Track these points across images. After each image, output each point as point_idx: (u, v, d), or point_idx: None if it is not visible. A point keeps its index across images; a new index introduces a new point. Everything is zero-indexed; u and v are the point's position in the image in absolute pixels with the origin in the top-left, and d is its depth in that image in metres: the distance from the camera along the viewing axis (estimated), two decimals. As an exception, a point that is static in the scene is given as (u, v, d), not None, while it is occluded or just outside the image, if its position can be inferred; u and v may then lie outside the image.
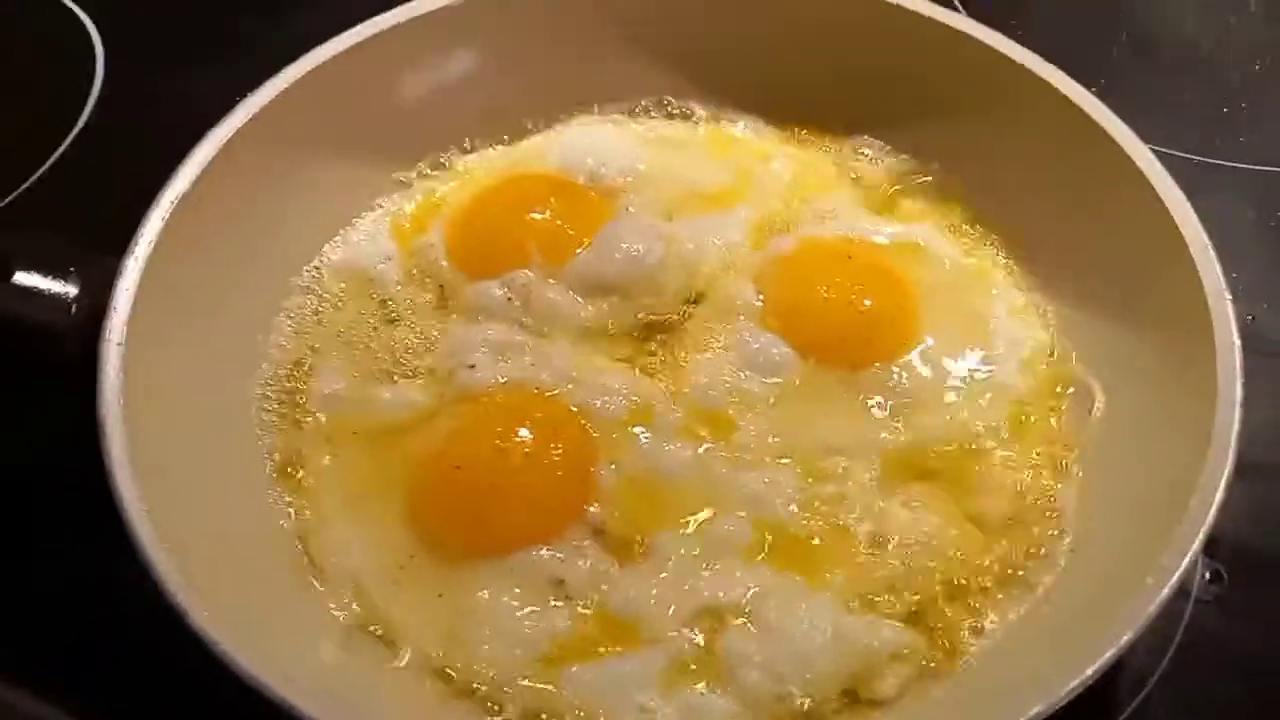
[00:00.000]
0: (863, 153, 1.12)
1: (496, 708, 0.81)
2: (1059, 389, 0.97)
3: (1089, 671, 0.71)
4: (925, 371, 0.96)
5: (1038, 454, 0.93)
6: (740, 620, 0.83)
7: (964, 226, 1.08)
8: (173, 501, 0.80)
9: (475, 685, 0.82)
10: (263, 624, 0.78)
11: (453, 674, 0.83)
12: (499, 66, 1.11)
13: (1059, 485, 0.91)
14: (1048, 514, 0.90)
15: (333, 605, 0.86)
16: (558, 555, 0.85)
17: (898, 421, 0.94)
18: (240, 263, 0.98)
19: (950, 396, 0.95)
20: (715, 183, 1.09)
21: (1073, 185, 1.01)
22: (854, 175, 1.11)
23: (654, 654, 0.82)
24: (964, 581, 0.86)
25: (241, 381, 0.96)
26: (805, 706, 0.80)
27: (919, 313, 0.99)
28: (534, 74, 1.12)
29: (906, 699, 0.81)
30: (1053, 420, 0.95)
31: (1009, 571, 0.87)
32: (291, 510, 0.90)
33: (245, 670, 0.71)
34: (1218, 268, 0.88)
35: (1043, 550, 0.88)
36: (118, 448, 0.80)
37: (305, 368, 0.97)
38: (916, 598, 0.85)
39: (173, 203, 0.92)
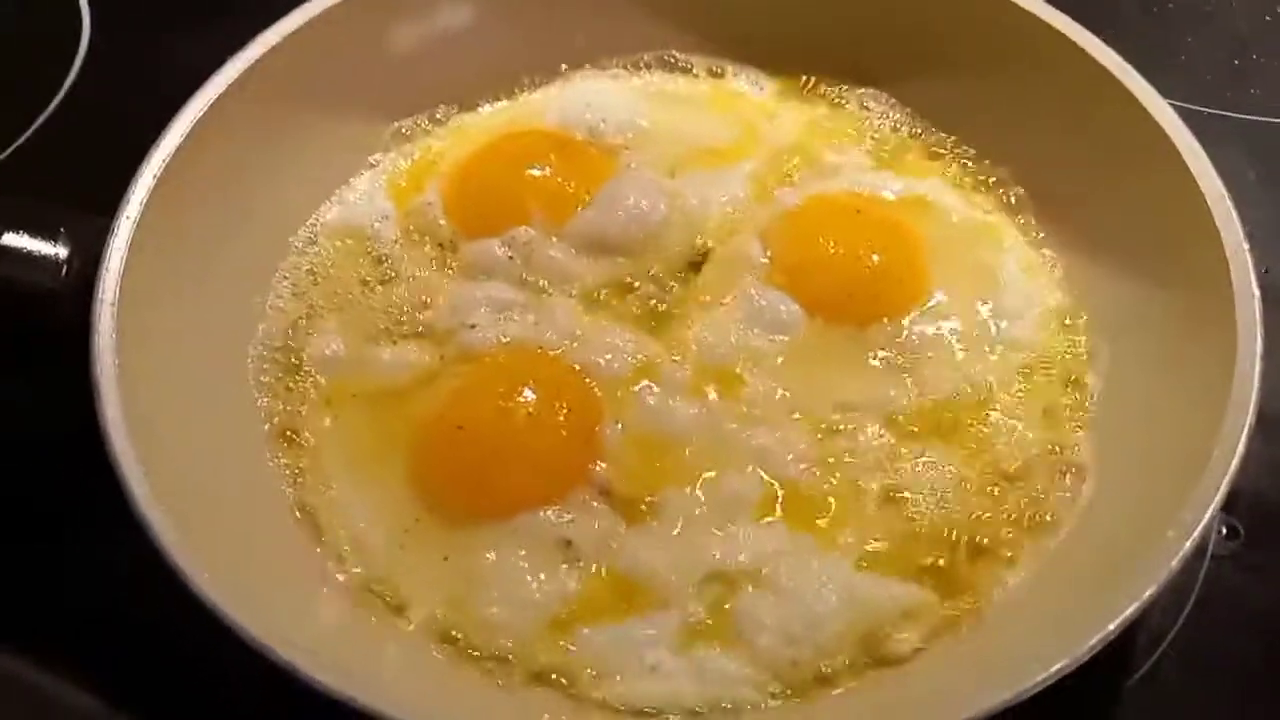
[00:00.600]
0: (869, 107, 1.10)
1: (506, 670, 0.80)
2: (1072, 343, 0.96)
3: (1111, 627, 0.69)
4: (934, 327, 0.94)
5: (1052, 409, 0.92)
6: (752, 582, 0.82)
7: (973, 182, 1.06)
8: (169, 463, 0.78)
9: (483, 649, 0.81)
10: (264, 587, 0.76)
11: (460, 638, 0.81)
12: (496, 20, 1.08)
13: (1074, 440, 0.90)
14: (1063, 469, 0.88)
15: (336, 569, 0.84)
16: (564, 516, 0.84)
17: (907, 377, 0.92)
18: (234, 222, 0.95)
19: (960, 352, 0.94)
20: (719, 138, 1.07)
21: (1086, 139, 0.99)
22: (860, 130, 1.09)
23: (666, 616, 0.80)
24: (979, 537, 0.85)
25: (238, 343, 0.93)
26: (822, 669, 0.79)
27: (928, 268, 0.97)
28: (533, 27, 1.09)
29: (923, 658, 0.80)
30: (1067, 375, 0.94)
31: (1024, 527, 0.86)
32: (292, 473, 0.88)
33: (247, 632, 0.69)
34: (1236, 220, 0.87)
35: (1059, 505, 0.86)
36: (112, 409, 0.78)
37: (303, 329, 0.95)
38: (930, 554, 0.84)
39: (164, 160, 0.90)
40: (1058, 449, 0.90)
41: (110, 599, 0.89)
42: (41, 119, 1.20)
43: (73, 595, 0.90)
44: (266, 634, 0.70)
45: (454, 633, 0.81)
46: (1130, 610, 0.70)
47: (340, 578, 0.84)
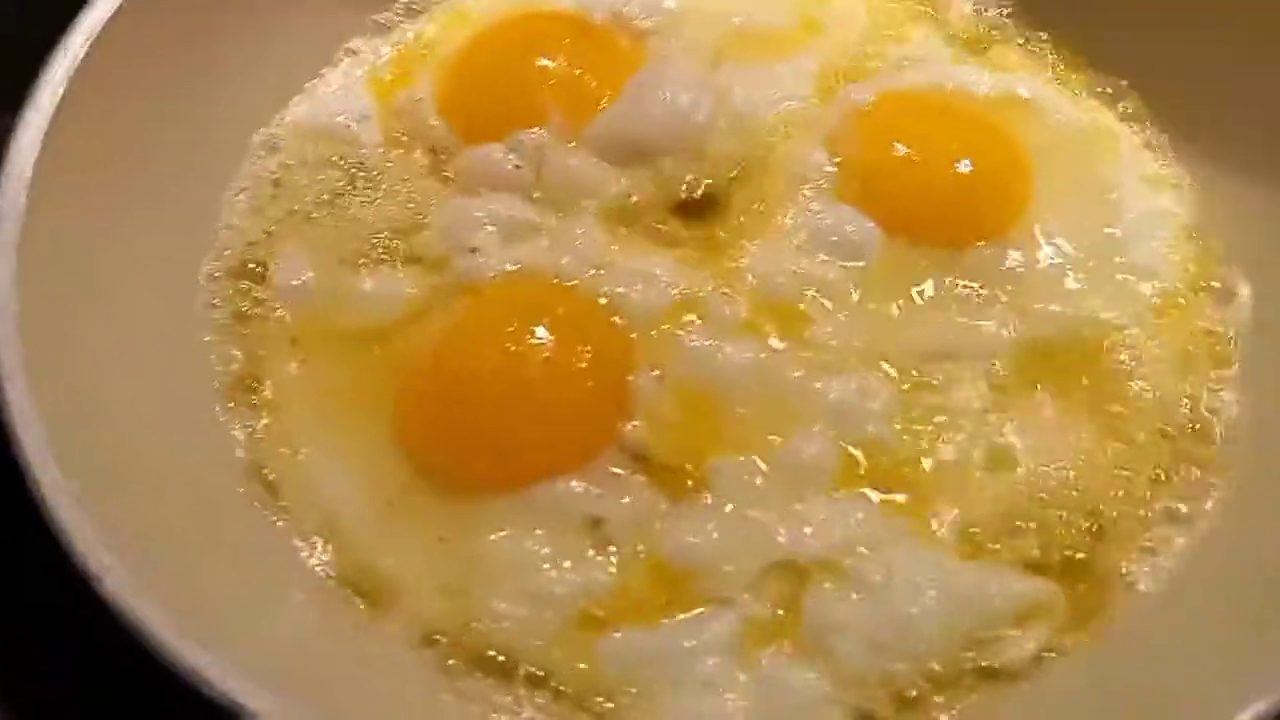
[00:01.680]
0: (949, -14, 0.94)
1: (518, 685, 0.65)
2: (1206, 272, 0.81)
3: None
4: (1043, 252, 0.81)
5: (1188, 352, 0.78)
6: (828, 574, 0.68)
7: (1077, 77, 0.90)
8: (86, 425, 0.64)
9: (488, 656, 0.66)
10: (205, 582, 0.63)
11: (457, 641, 0.67)
12: None
13: (1219, 391, 0.76)
14: (1206, 427, 0.74)
15: (301, 550, 0.71)
16: (591, 489, 0.70)
17: (1012, 314, 0.78)
18: (178, 121, 0.80)
19: (1074, 282, 0.80)
20: (769, 23, 0.92)
21: (1217, 21, 0.83)
22: (938, 14, 0.94)
23: (721, 616, 0.67)
24: (1108, 516, 0.71)
25: (183, 271, 0.79)
26: (918, 686, 0.64)
27: (1031, 179, 0.83)
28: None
29: (1043, 671, 0.65)
30: (1203, 310, 0.79)
31: (1162, 506, 0.72)
32: (247, 433, 0.74)
33: (175, 654, 0.54)
34: None
35: (1205, 474, 0.73)
36: (12, 355, 0.63)
37: (263, 253, 0.81)
38: (1049, 539, 0.70)
39: (86, 40, 0.74)
40: (1198, 401, 0.76)
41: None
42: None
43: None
44: (203, 646, 0.56)
45: (449, 635, 0.67)
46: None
47: (308, 560, 0.70)
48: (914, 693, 0.64)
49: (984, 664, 0.65)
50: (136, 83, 0.77)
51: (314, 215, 0.82)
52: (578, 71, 0.88)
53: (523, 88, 0.87)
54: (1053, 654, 0.66)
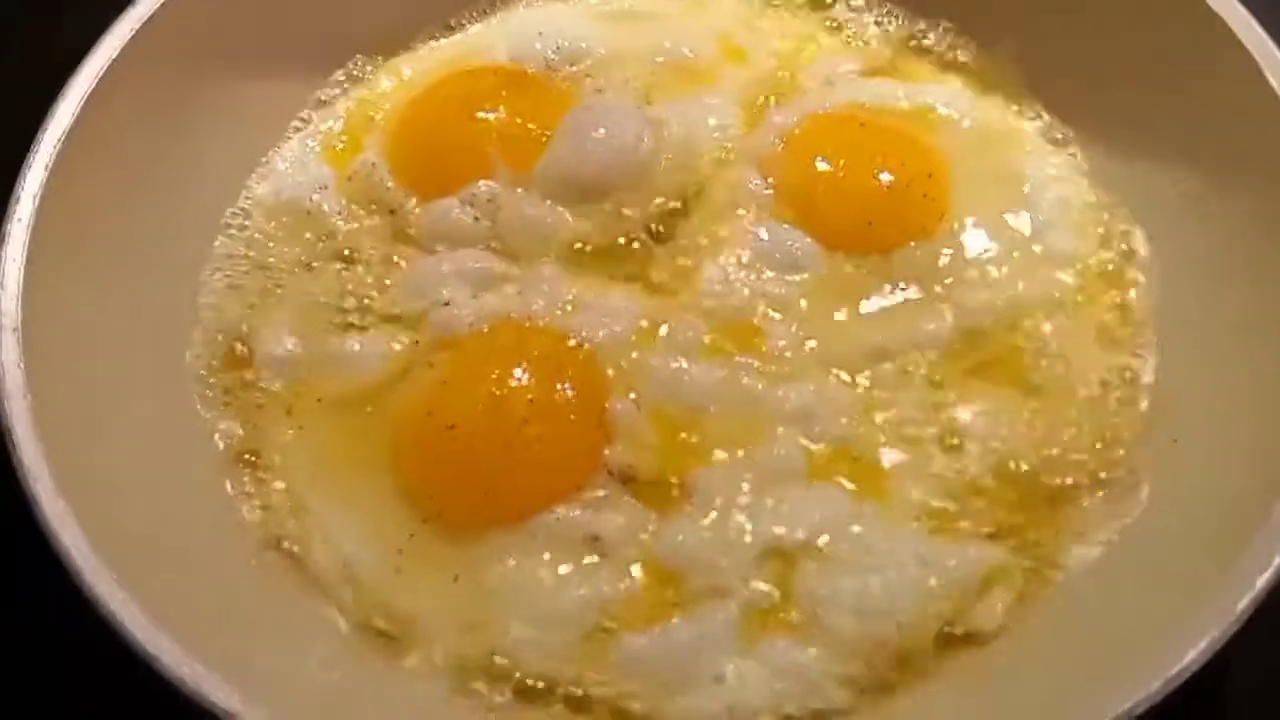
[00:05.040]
0: (856, 7, 0.98)
1: (542, 702, 0.69)
2: (1116, 248, 0.86)
3: (1242, 605, 0.60)
4: (966, 246, 0.85)
5: (1107, 327, 0.83)
6: (814, 556, 0.72)
7: (981, 82, 0.94)
8: (104, 509, 0.66)
9: (512, 677, 0.70)
10: (234, 643, 0.65)
11: (481, 667, 0.70)
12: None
13: (1139, 362, 0.81)
14: (1133, 395, 0.80)
15: (322, 605, 0.73)
16: (586, 511, 0.74)
17: (947, 307, 0.82)
18: (149, 212, 0.82)
19: (997, 270, 0.84)
20: (694, 56, 0.94)
21: (1101, 18, 0.89)
22: (849, 33, 0.98)
23: (722, 608, 0.71)
24: (1053, 482, 0.76)
25: (173, 355, 0.81)
26: (906, 649, 0.70)
27: (948, 181, 0.87)
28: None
29: (1014, 632, 0.71)
30: (1116, 285, 0.85)
31: (1098, 470, 0.76)
32: (257, 501, 0.76)
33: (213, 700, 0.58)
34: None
35: (1135, 442, 0.77)
36: (30, 456, 0.66)
37: (247, 328, 0.83)
38: (1001, 507, 0.75)
39: (55, 146, 0.76)
40: (1122, 373, 0.81)
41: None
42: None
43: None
44: (240, 693, 0.60)
45: (474, 662, 0.71)
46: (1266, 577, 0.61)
47: (330, 614, 0.73)
48: (903, 655, 0.69)
49: (963, 629, 0.70)
50: (105, 182, 0.79)
51: (290, 286, 0.84)
52: (518, 120, 0.89)
53: (466, 142, 0.88)
54: (1019, 618, 0.70)
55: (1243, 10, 0.80)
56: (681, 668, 0.69)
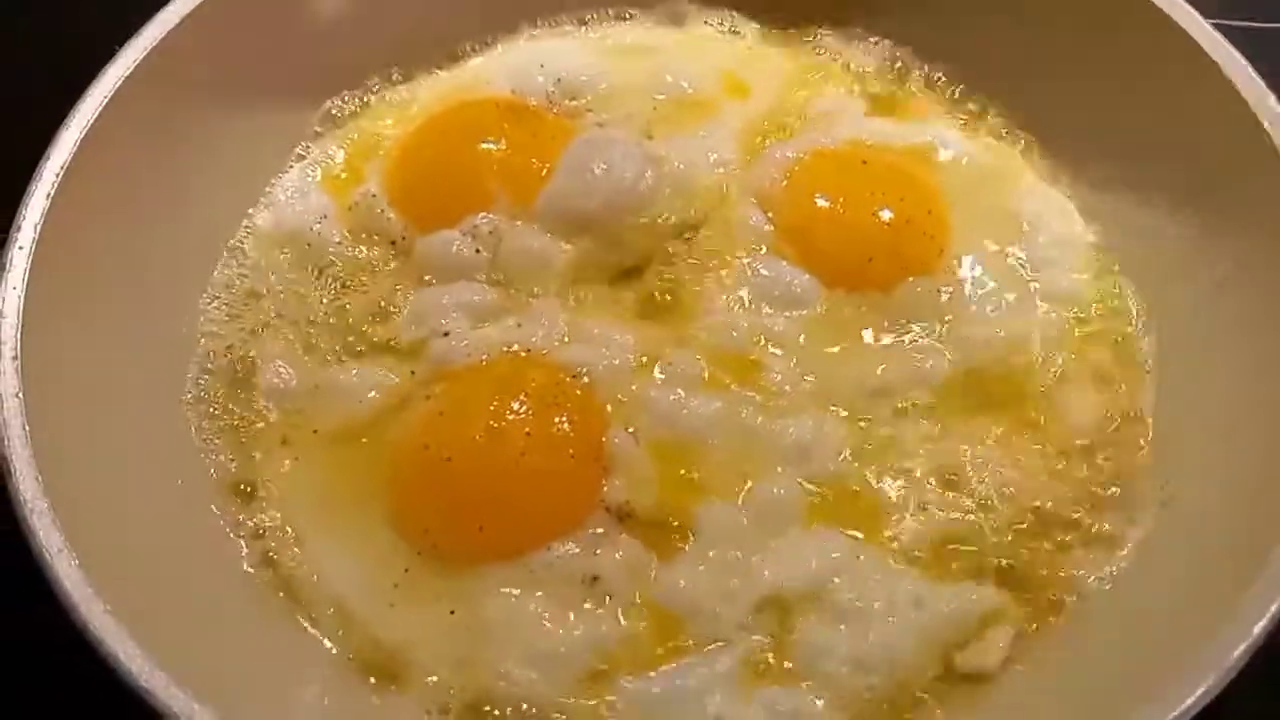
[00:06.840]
0: (855, 45, 0.99)
1: (541, 742, 0.68)
2: (1114, 286, 0.86)
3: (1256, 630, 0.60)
4: (965, 283, 0.85)
5: (1106, 366, 0.83)
6: (812, 604, 0.72)
7: (978, 121, 0.95)
8: (100, 539, 0.66)
9: (505, 715, 0.69)
10: (228, 674, 0.65)
11: (474, 703, 0.70)
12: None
13: (1140, 401, 0.81)
14: (1129, 436, 0.80)
15: (316, 637, 0.73)
16: (585, 549, 0.73)
17: (946, 345, 0.83)
18: (149, 241, 0.82)
19: (996, 308, 0.84)
20: (695, 91, 0.95)
21: (1097, 61, 0.90)
22: (848, 71, 0.98)
23: (721, 653, 0.70)
24: (1051, 524, 0.76)
25: (171, 384, 0.81)
26: (903, 695, 0.69)
27: (948, 219, 0.87)
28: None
29: (1015, 673, 0.70)
30: (1112, 322, 0.85)
31: (1101, 508, 0.77)
32: (251, 533, 0.76)
33: None
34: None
35: (1138, 480, 0.77)
36: (28, 486, 0.65)
37: (245, 358, 0.83)
38: (1002, 548, 0.75)
39: (56, 176, 0.76)
40: (1120, 412, 0.81)
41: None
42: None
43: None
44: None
45: (465, 703, 0.70)
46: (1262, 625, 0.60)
47: (324, 645, 0.73)
48: (901, 699, 0.69)
49: (964, 670, 0.70)
50: (106, 210, 0.79)
51: (288, 316, 0.84)
52: (519, 153, 0.89)
53: (467, 175, 0.89)
54: (1018, 657, 0.70)
55: (1239, 57, 0.81)
56: (679, 713, 0.68)
